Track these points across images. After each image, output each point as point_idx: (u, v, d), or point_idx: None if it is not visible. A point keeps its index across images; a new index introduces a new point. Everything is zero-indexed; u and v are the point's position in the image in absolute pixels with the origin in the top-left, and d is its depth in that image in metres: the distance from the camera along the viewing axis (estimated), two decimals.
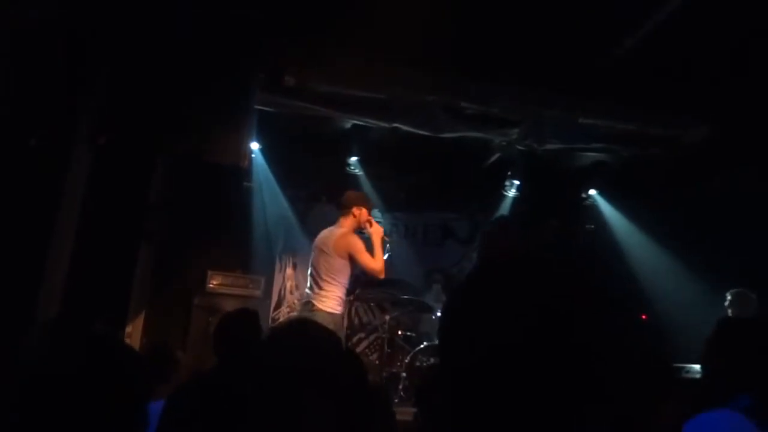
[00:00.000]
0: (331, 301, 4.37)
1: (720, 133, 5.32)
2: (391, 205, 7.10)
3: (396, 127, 5.48)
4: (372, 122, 5.53)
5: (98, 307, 4.01)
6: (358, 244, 4.43)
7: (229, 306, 5.48)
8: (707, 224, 5.96)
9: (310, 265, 4.59)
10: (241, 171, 5.96)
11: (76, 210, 3.59)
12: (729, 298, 4.71)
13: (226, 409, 1.63)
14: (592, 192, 6.97)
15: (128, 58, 3.74)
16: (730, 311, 4.71)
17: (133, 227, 4.75)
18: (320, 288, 4.45)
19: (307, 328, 1.50)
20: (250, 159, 6.05)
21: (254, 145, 5.99)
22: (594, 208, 7.06)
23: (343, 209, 4.60)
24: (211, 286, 6.05)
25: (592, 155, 6.32)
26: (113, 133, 3.80)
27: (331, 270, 4.41)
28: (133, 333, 5.43)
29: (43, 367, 1.17)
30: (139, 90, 3.88)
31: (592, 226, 7.12)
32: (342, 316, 4.58)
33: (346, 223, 4.53)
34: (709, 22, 4.08)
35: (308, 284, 4.58)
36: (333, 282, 4.40)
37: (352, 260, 4.39)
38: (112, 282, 4.48)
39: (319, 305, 4.37)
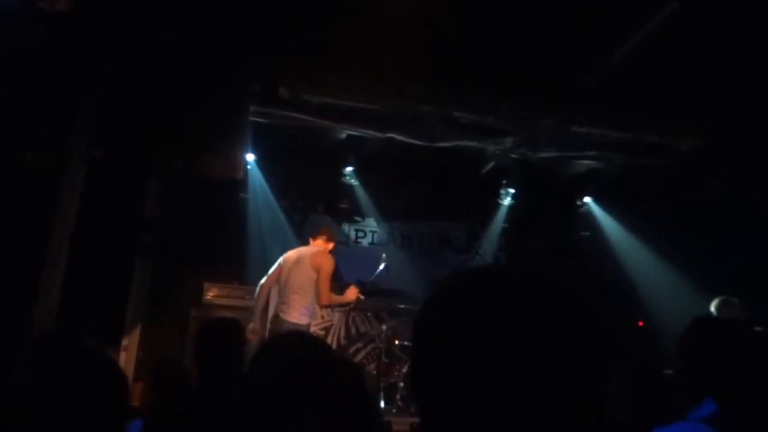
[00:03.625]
0: (296, 311, 4.62)
1: (715, 141, 5.36)
2: (388, 214, 7.11)
3: (391, 137, 5.51)
4: (367, 132, 5.56)
5: (94, 320, 4.00)
6: (330, 267, 4.79)
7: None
8: (701, 230, 5.99)
9: (277, 281, 4.89)
10: (237, 182, 5.98)
11: (71, 225, 3.59)
12: (714, 305, 4.68)
13: (213, 422, 1.63)
14: (587, 199, 6.99)
15: (123, 74, 3.76)
16: None
17: (128, 241, 4.76)
18: (287, 299, 4.74)
19: (299, 339, 1.51)
20: (246, 170, 6.07)
21: (250, 157, 6.01)
22: (589, 215, 7.08)
23: (315, 234, 5.09)
24: (207, 297, 6.05)
25: (587, 163, 6.34)
26: (109, 148, 3.81)
27: (301, 282, 4.71)
28: (130, 346, 5.42)
29: (28, 381, 1.18)
30: (134, 105, 3.90)
31: (587, 233, 7.13)
32: (308, 326, 4.81)
33: (318, 243, 4.97)
34: (703, 30, 4.12)
35: (277, 300, 4.90)
36: (300, 293, 4.64)
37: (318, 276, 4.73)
38: (108, 296, 4.48)
39: (284, 316, 4.65)
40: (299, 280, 4.71)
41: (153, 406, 2.71)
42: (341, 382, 1.51)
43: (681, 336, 1.70)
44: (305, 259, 4.77)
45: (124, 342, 5.19)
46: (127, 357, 5.28)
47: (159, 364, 3.16)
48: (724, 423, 1.43)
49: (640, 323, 6.65)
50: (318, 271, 4.70)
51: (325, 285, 4.71)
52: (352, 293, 5.05)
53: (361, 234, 7.18)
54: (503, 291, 0.68)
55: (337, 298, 4.99)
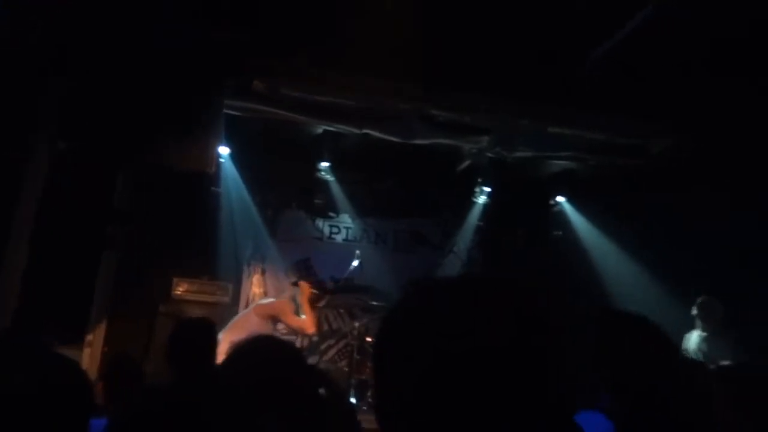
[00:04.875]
0: None
1: (685, 143, 5.46)
2: (362, 211, 7.08)
3: (367, 134, 5.47)
4: (343, 128, 5.51)
5: (57, 315, 3.88)
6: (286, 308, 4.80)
7: (196, 313, 5.37)
8: (672, 231, 6.10)
9: None
10: (209, 176, 5.86)
11: (32, 217, 3.47)
12: (697, 303, 4.87)
13: (183, 427, 1.58)
14: (561, 199, 7.07)
15: (92, 64, 3.64)
16: (697, 319, 4.87)
17: (95, 233, 4.62)
18: None
19: (267, 345, 1.47)
20: (219, 164, 5.96)
21: (223, 150, 5.90)
22: (562, 215, 7.16)
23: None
24: (177, 293, 5.93)
25: (561, 163, 6.41)
26: (76, 138, 3.69)
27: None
28: (94, 342, 5.27)
29: None
30: (104, 95, 3.78)
31: (560, 232, 7.21)
32: None
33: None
34: (679, 33, 4.18)
35: None
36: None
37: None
38: (72, 290, 4.35)
39: None
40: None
41: (112, 405, 2.64)
42: (311, 385, 1.48)
43: (588, 329, 1.71)
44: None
45: (89, 338, 5.05)
46: (91, 353, 5.14)
47: (109, 363, 3.09)
48: (614, 410, 1.49)
49: None
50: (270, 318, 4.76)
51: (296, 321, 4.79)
52: (304, 289, 4.96)
53: (335, 230, 7.13)
54: (480, 293, 0.69)
55: (304, 316, 4.91)
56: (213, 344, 2.29)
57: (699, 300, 4.87)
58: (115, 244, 5.30)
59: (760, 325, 5.02)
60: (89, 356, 5.03)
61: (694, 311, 4.87)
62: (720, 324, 4.77)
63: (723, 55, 4.30)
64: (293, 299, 4.94)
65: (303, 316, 4.80)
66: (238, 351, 1.44)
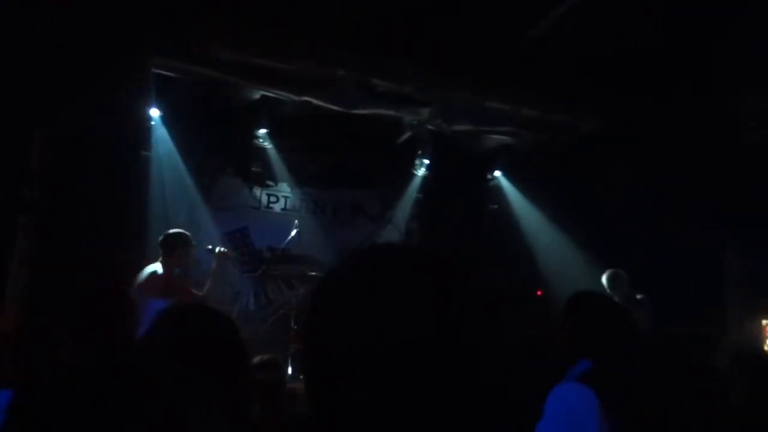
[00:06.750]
0: None
1: (615, 123, 5.69)
2: (301, 180, 6.96)
3: (307, 101, 5.35)
4: (281, 94, 5.36)
5: None
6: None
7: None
8: (599, 207, 6.40)
9: None
10: (139, 139, 5.56)
11: None
12: (605, 276, 5.12)
13: (97, 395, 1.50)
14: (497, 173, 7.25)
15: (8, 13, 3.32)
16: (608, 290, 5.12)
17: (8, 199, 4.30)
18: None
19: (196, 314, 1.40)
20: (149, 127, 5.66)
21: (154, 112, 5.60)
22: (498, 189, 7.35)
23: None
24: None
25: (499, 138, 6.54)
26: None
27: None
28: (11, 311, 4.95)
29: None
30: (19, 47, 3.47)
31: (496, 206, 7.41)
32: None
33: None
34: (609, 16, 4.30)
35: None
36: None
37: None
38: None
39: None
40: None
41: (21, 378, 2.46)
42: (245, 360, 1.43)
43: (564, 308, 1.94)
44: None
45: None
46: (6, 325, 4.83)
47: (20, 331, 2.83)
48: (595, 378, 1.66)
49: (539, 292, 7.04)
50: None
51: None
52: (219, 257, 4.76)
53: (273, 199, 6.99)
54: (417, 265, 0.68)
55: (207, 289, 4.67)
56: (125, 313, 2.09)
57: (605, 274, 5.11)
58: (34, 210, 4.95)
59: (671, 294, 5.39)
60: (5, 327, 4.71)
61: (604, 283, 5.12)
62: (627, 293, 5.00)
63: (649, 36, 4.47)
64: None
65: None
66: (165, 320, 1.36)
